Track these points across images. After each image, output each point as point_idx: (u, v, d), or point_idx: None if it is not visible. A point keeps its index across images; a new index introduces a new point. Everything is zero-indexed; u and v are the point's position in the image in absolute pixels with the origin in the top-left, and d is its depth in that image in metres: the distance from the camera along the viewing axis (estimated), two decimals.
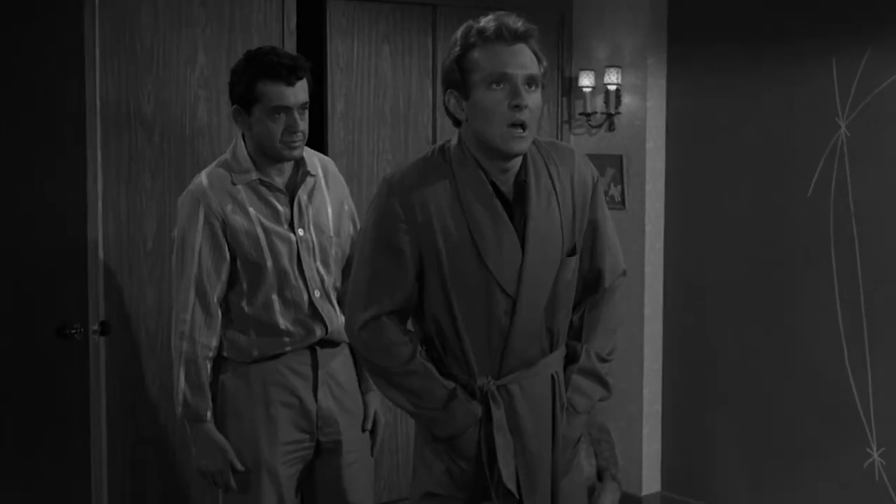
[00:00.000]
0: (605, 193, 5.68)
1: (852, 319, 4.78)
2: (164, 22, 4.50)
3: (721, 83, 5.27)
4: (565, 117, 5.85)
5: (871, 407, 4.73)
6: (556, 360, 2.82)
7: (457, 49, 2.63)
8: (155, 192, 4.51)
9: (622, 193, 5.60)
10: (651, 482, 5.69)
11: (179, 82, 4.56)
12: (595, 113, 5.68)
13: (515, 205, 2.70)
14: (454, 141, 2.73)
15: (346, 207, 3.56)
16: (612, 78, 5.53)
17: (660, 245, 5.59)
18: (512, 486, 2.74)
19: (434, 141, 5.36)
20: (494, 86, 2.59)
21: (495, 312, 2.69)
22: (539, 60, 2.65)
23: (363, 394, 3.60)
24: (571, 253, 2.77)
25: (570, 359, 2.87)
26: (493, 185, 2.69)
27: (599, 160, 5.66)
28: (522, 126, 2.61)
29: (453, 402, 2.72)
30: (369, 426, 3.60)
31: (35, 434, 4.16)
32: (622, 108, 5.60)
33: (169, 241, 4.52)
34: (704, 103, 5.34)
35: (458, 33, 2.65)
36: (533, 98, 2.61)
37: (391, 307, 2.74)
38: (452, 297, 2.69)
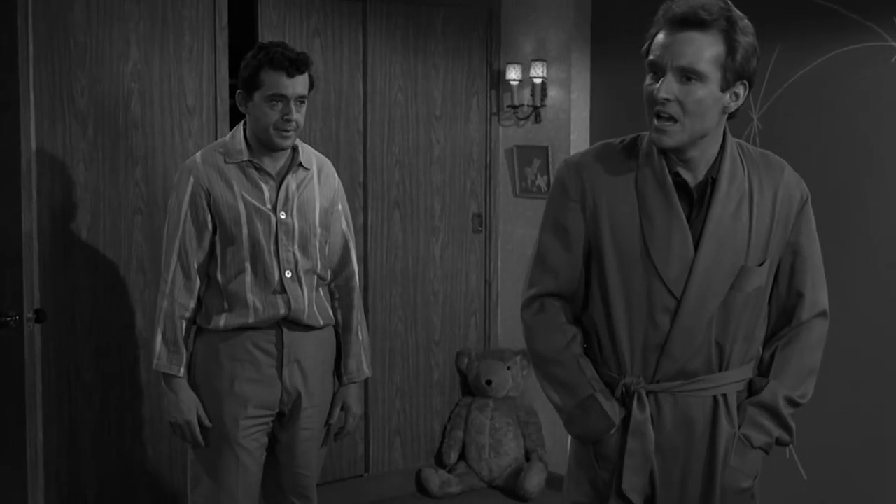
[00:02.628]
0: (532, 183, 5.84)
1: None
2: (96, 17, 4.57)
3: (642, 77, 5.40)
4: (494, 110, 6.00)
5: None
6: (725, 382, 2.57)
7: (652, 29, 2.48)
8: (89, 184, 4.60)
9: (548, 183, 5.75)
10: None
11: (113, 76, 4.64)
12: (522, 105, 5.83)
13: (700, 202, 2.51)
14: None
15: (340, 207, 3.74)
16: (538, 71, 5.68)
17: None
18: (634, 498, 2.57)
19: (365, 133, 5.49)
20: (650, 75, 2.45)
21: (656, 310, 2.50)
22: (729, 51, 2.39)
23: (340, 385, 3.78)
24: (759, 264, 2.54)
25: (754, 394, 2.63)
26: (678, 176, 2.50)
27: (526, 151, 5.83)
28: (657, 116, 2.43)
29: (589, 401, 2.57)
30: (333, 419, 3.74)
31: None
32: (548, 101, 5.76)
33: (103, 231, 4.63)
34: (626, 96, 5.48)
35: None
36: (685, 90, 2.39)
37: (554, 288, 2.63)
38: (610, 287, 2.53)
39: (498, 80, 5.98)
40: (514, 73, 5.76)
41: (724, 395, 2.57)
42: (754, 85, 2.53)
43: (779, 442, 2.61)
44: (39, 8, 4.41)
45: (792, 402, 2.59)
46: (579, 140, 5.69)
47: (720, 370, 2.56)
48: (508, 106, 5.90)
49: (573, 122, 5.67)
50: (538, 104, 5.75)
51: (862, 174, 4.61)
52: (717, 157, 2.52)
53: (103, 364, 4.67)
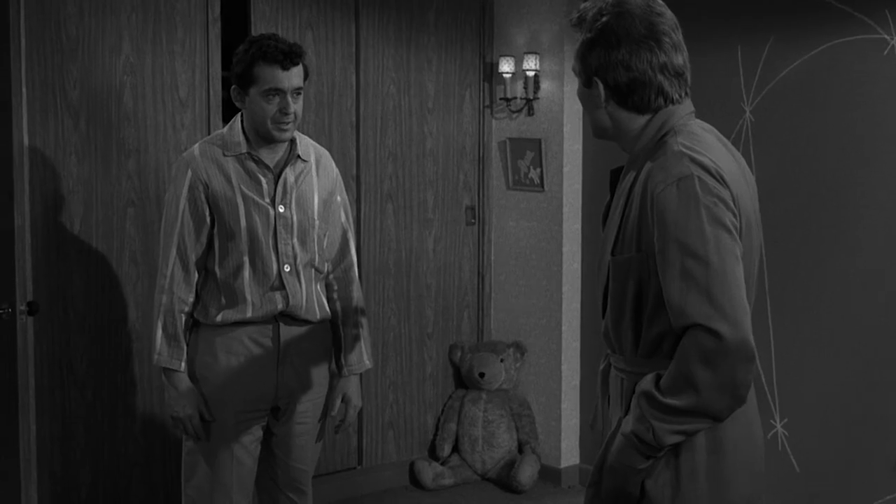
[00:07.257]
0: (524, 176, 5.85)
1: (757, 294, 4.96)
2: (88, 10, 4.56)
3: None
4: (486, 102, 6.00)
5: (774, 380, 4.92)
6: (619, 366, 2.50)
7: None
8: (81, 177, 4.59)
9: (541, 176, 5.76)
10: (570, 455, 5.86)
11: (105, 69, 4.63)
12: (515, 98, 5.83)
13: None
14: None
15: (339, 199, 3.73)
16: (531, 64, 5.68)
17: (577, 225, 5.76)
18: (596, 423, 2.69)
19: (357, 126, 5.49)
20: None
21: None
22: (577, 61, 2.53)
23: (338, 377, 3.77)
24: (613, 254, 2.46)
25: None
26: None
27: (519, 144, 5.83)
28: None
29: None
30: (333, 412, 3.74)
31: None
32: (541, 94, 5.76)
33: (95, 224, 4.63)
34: None
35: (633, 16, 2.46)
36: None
37: None
38: None
39: (491, 72, 5.98)
40: (506, 66, 5.76)
41: (623, 380, 2.49)
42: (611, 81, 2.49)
43: (640, 438, 2.32)
44: (31, 1, 4.40)
45: (650, 399, 2.30)
46: (572, 132, 5.69)
47: (614, 353, 2.52)
48: (501, 98, 5.90)
49: (566, 115, 5.66)
50: (531, 97, 5.75)
51: (854, 166, 4.62)
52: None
53: (96, 356, 4.67)
